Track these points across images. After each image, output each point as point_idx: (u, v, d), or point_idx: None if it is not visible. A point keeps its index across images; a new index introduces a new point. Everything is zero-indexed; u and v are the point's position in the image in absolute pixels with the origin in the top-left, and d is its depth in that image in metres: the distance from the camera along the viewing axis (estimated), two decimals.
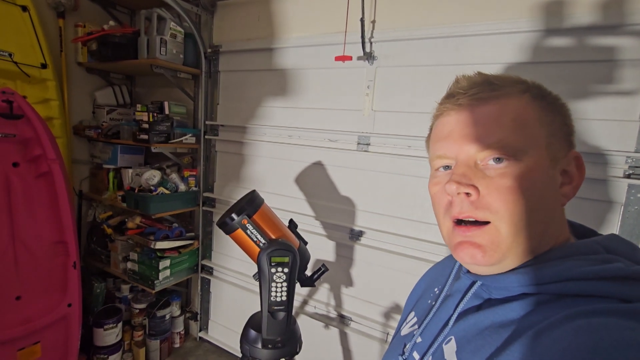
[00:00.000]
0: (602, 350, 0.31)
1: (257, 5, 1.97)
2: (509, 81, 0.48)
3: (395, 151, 1.63)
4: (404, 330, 0.62)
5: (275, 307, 1.09)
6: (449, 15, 1.47)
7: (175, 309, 2.33)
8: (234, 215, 1.06)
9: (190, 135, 2.13)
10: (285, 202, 1.97)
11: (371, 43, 1.64)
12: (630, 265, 0.40)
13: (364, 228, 1.75)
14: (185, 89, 2.23)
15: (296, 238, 1.20)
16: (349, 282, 1.84)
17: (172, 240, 2.09)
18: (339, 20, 1.64)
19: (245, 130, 2.09)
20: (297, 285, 1.17)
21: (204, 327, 2.44)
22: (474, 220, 0.45)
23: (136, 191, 2.00)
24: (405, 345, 0.58)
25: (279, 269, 1.07)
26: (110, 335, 2.01)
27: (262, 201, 1.14)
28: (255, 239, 1.07)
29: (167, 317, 2.23)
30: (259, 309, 1.15)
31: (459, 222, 0.46)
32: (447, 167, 0.49)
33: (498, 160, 0.44)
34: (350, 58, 1.58)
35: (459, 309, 0.50)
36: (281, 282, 1.08)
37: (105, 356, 2.00)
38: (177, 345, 2.35)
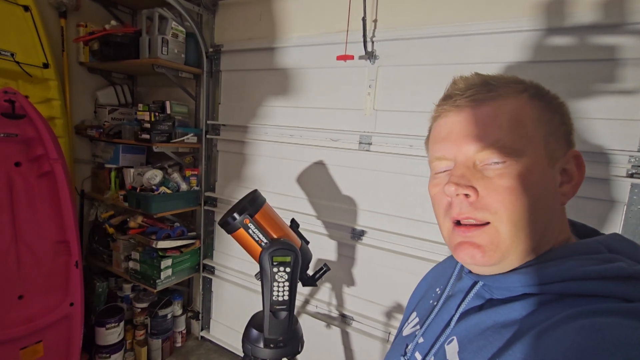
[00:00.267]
0: (604, 350, 0.31)
1: (259, 4, 1.96)
2: (506, 81, 0.48)
3: (397, 150, 1.63)
4: (406, 331, 0.62)
5: (277, 307, 1.09)
6: (451, 14, 1.47)
7: (177, 308, 2.34)
8: (235, 215, 1.06)
9: (191, 134, 2.14)
10: (287, 202, 1.97)
11: (373, 42, 1.63)
12: (632, 265, 0.39)
13: (366, 227, 1.75)
14: (187, 89, 2.23)
15: (298, 237, 1.20)
16: (351, 282, 1.84)
17: (173, 239, 2.09)
18: (340, 20, 1.64)
19: (246, 130, 2.09)
20: (299, 284, 1.17)
21: (206, 326, 2.45)
22: (473, 221, 0.45)
23: (138, 191, 2.00)
24: (407, 346, 0.58)
25: (281, 269, 1.07)
26: (112, 334, 2.01)
27: (264, 200, 1.14)
28: (257, 239, 1.07)
29: (169, 316, 2.24)
30: (261, 309, 1.15)
31: (459, 223, 0.46)
32: (446, 168, 0.50)
33: (496, 161, 0.44)
34: (352, 57, 1.58)
35: (460, 309, 0.50)
36: (283, 282, 1.08)
37: (107, 355, 2.01)
38: (178, 345, 2.36)
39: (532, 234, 0.44)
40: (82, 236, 2.26)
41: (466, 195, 0.45)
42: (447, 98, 0.50)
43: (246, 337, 1.16)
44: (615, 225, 1.27)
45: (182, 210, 2.16)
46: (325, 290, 1.94)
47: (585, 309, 0.37)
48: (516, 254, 0.44)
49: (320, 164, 1.86)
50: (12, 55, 1.79)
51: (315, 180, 1.89)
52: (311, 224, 1.90)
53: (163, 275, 2.04)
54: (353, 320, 1.83)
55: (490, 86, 0.47)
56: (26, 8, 1.83)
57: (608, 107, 1.24)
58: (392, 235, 1.68)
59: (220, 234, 2.32)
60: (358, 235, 1.78)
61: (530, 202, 0.43)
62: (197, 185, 2.22)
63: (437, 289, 0.61)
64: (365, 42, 1.58)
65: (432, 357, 0.50)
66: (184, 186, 2.14)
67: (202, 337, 2.43)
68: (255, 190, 1.16)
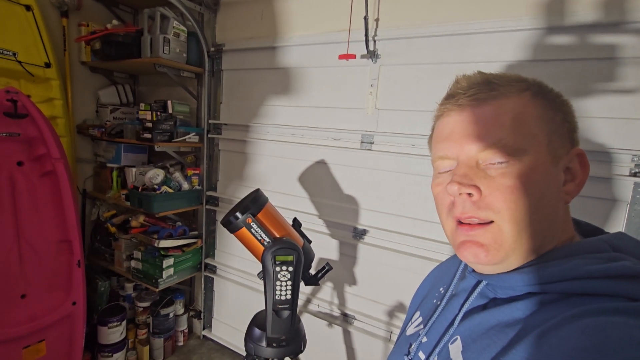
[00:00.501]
0: (609, 350, 0.31)
1: (260, 3, 1.96)
2: (508, 80, 0.47)
3: (399, 150, 1.63)
4: (409, 330, 0.62)
5: (280, 306, 1.09)
6: (453, 12, 1.46)
7: (178, 308, 2.34)
8: (238, 214, 1.06)
9: (193, 134, 2.14)
10: (289, 201, 1.97)
11: (375, 41, 1.63)
12: (637, 264, 0.39)
13: (368, 227, 1.75)
14: (189, 88, 2.23)
15: (300, 237, 1.20)
16: (353, 281, 1.84)
17: (175, 238, 2.10)
18: (342, 19, 1.64)
19: (248, 129, 2.09)
20: (302, 283, 1.17)
21: (208, 325, 2.45)
22: (476, 220, 0.45)
23: (140, 190, 2.00)
24: (410, 345, 0.58)
25: (284, 268, 1.07)
26: (114, 333, 2.02)
27: (266, 200, 1.14)
28: (259, 238, 1.07)
29: (171, 315, 2.24)
30: (262, 308, 1.15)
31: (462, 222, 0.46)
32: (449, 168, 0.49)
33: (499, 160, 0.44)
34: (354, 56, 1.58)
35: (464, 309, 0.50)
36: (286, 281, 1.08)
37: (110, 354, 2.01)
38: (180, 344, 2.36)
39: (536, 233, 0.43)
40: (84, 235, 2.26)
41: (469, 194, 0.45)
42: (450, 97, 0.50)
43: (249, 336, 1.16)
44: (618, 224, 1.26)
45: (184, 209, 2.16)
46: (327, 290, 1.94)
47: (589, 308, 0.36)
48: (519, 252, 0.44)
49: (322, 163, 1.86)
50: (14, 54, 1.79)
51: (317, 180, 1.88)
52: (313, 223, 1.89)
53: (165, 274, 2.04)
54: (355, 319, 1.84)
55: (493, 85, 0.47)
56: (28, 7, 1.83)
57: (611, 106, 1.24)
58: (394, 235, 1.67)
59: (222, 233, 2.32)
60: (360, 234, 1.78)
61: (533, 201, 0.43)
62: (198, 185, 2.22)
63: (441, 288, 0.61)
64: (367, 41, 1.57)
65: (436, 357, 0.50)
66: (185, 185, 2.14)
67: (204, 336, 2.43)
68: (258, 190, 1.16)
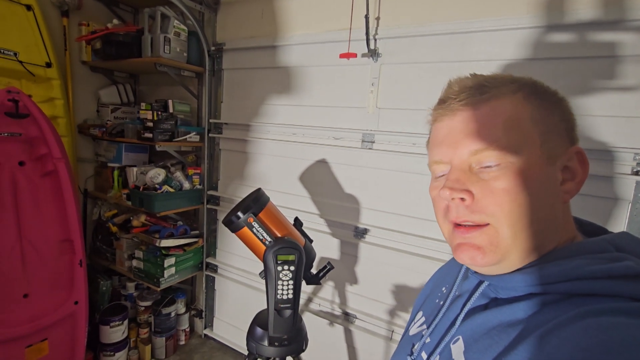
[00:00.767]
0: (611, 350, 0.31)
1: (261, 2, 1.96)
2: (500, 82, 0.47)
3: (399, 149, 1.62)
4: (412, 330, 0.62)
5: (282, 305, 1.10)
6: (454, 11, 1.46)
7: (180, 307, 2.35)
8: (239, 214, 1.06)
9: (194, 133, 2.14)
10: (290, 200, 1.97)
11: (375, 40, 1.63)
12: None
13: (369, 226, 1.75)
14: (189, 87, 2.23)
15: (302, 236, 1.20)
16: (354, 280, 1.85)
17: (176, 238, 2.10)
18: (343, 17, 1.64)
19: (249, 128, 2.09)
20: (303, 283, 1.17)
21: (209, 324, 2.45)
22: (471, 223, 0.45)
23: (141, 189, 2.00)
24: (413, 346, 0.58)
25: (285, 267, 1.07)
26: (116, 332, 2.02)
27: (267, 199, 1.15)
28: (261, 237, 1.08)
29: (173, 314, 2.25)
30: (264, 307, 1.16)
31: (458, 224, 0.47)
32: (444, 172, 0.50)
33: (491, 163, 0.44)
34: (355, 55, 1.57)
35: (466, 308, 0.50)
36: (287, 280, 1.08)
37: (112, 353, 2.02)
38: (182, 343, 2.37)
39: (533, 234, 0.43)
40: (85, 235, 2.27)
41: (462, 199, 0.45)
42: (442, 102, 0.50)
43: (251, 335, 1.16)
44: (620, 223, 1.26)
45: (185, 208, 2.16)
46: (328, 289, 1.95)
47: (591, 308, 0.36)
48: (517, 253, 0.44)
49: (322, 162, 1.86)
50: (15, 54, 1.79)
51: (318, 179, 1.88)
52: (314, 223, 1.90)
53: (166, 273, 2.05)
54: (356, 318, 1.84)
55: (484, 88, 0.47)
56: (28, 7, 1.83)
57: (612, 104, 1.23)
58: (395, 234, 1.67)
59: (223, 232, 2.32)
60: (361, 233, 1.78)
61: (528, 203, 0.43)
62: (199, 184, 2.22)
63: (443, 288, 0.61)
64: (368, 39, 1.57)
65: (438, 357, 0.50)
66: (186, 185, 2.15)
67: (205, 335, 2.44)
68: (259, 189, 1.16)
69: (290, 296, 1.10)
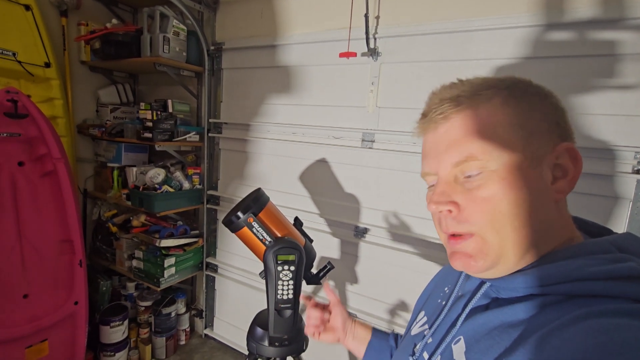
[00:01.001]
0: (613, 352, 0.31)
1: (260, 1, 1.95)
2: (476, 90, 0.47)
3: (400, 148, 1.62)
4: (414, 330, 0.62)
5: (282, 305, 1.10)
6: (454, 10, 1.46)
7: (180, 307, 2.35)
8: (239, 214, 1.06)
9: (193, 133, 2.13)
10: (290, 200, 1.96)
11: (375, 39, 1.62)
12: None
13: (369, 225, 1.75)
14: (189, 87, 2.23)
15: (302, 236, 1.20)
16: (354, 279, 1.85)
17: (176, 238, 2.10)
18: (342, 16, 1.63)
19: (248, 128, 2.08)
20: (303, 283, 1.17)
21: (209, 324, 2.45)
22: (460, 233, 0.46)
23: (141, 189, 2.00)
24: (415, 345, 0.57)
25: (285, 267, 1.07)
26: (116, 332, 2.02)
27: (267, 199, 1.14)
28: (261, 237, 1.07)
29: (173, 314, 2.25)
30: (264, 307, 1.16)
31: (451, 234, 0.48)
32: (434, 183, 0.51)
33: (472, 173, 0.45)
34: (354, 54, 1.57)
35: (467, 309, 0.50)
36: (287, 280, 1.08)
37: (112, 353, 2.02)
38: (182, 343, 2.37)
39: (524, 236, 0.43)
40: (85, 235, 2.27)
41: (449, 210, 0.46)
42: (424, 116, 0.51)
43: (251, 335, 1.16)
44: (621, 222, 1.26)
45: (185, 208, 2.16)
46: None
47: (593, 309, 0.36)
48: (511, 257, 0.44)
49: (322, 162, 1.85)
50: (14, 54, 1.79)
51: (318, 178, 1.88)
52: (314, 222, 1.89)
53: (166, 273, 2.05)
54: (356, 317, 1.83)
55: (460, 99, 0.47)
56: (27, 7, 1.82)
57: (612, 102, 1.23)
58: (395, 233, 1.67)
59: (223, 232, 2.32)
60: (361, 233, 1.78)
61: (511, 207, 0.43)
62: (199, 184, 2.21)
63: (445, 288, 0.61)
64: (367, 38, 1.57)
65: (439, 357, 0.50)
66: (186, 185, 2.14)
67: (205, 335, 2.44)
68: (259, 189, 1.16)
69: (291, 296, 1.10)
